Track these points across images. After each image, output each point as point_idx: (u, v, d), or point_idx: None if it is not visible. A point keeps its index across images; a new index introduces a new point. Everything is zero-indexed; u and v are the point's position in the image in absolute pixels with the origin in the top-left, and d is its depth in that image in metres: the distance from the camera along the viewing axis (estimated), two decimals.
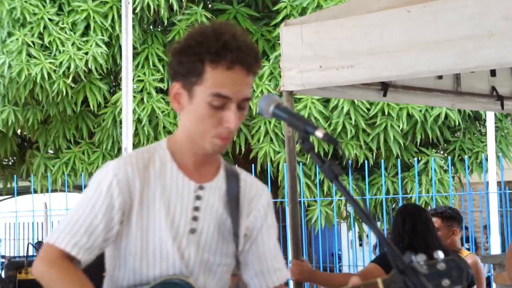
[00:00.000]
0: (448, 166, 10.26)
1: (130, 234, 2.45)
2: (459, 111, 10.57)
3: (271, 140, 10.87)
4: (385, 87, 5.35)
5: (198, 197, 2.51)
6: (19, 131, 12.26)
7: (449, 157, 10.43)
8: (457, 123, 10.76)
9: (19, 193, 11.56)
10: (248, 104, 2.47)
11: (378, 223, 12.88)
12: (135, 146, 9.60)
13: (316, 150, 2.44)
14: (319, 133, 2.34)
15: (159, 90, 10.99)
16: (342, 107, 10.61)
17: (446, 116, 10.67)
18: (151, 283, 2.43)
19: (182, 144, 2.51)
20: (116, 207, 2.41)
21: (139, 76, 10.95)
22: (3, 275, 4.29)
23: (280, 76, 10.52)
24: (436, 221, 5.58)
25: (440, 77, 5.54)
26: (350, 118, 10.63)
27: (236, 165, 9.82)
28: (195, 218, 2.50)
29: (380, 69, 4.62)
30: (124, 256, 2.47)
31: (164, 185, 2.47)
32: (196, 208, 2.50)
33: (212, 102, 2.40)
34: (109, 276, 2.51)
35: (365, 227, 12.13)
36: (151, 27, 11.78)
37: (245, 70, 2.43)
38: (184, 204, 2.49)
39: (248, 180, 2.64)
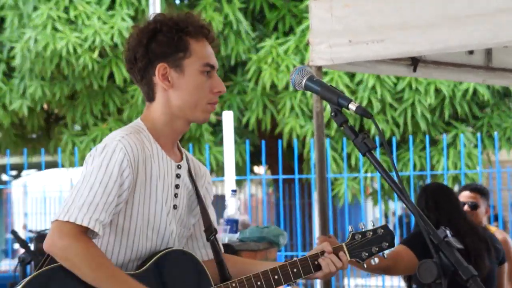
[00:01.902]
0: (477, 141, 10.18)
1: (130, 210, 2.55)
2: (488, 86, 10.47)
3: (297, 115, 10.83)
4: (415, 62, 5.32)
5: (178, 176, 2.68)
6: (46, 106, 12.27)
7: (478, 134, 10.32)
8: (485, 99, 10.65)
9: (41, 168, 11.62)
10: None
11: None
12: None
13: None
14: (353, 106, 2.36)
15: None
16: (368, 82, 10.54)
17: (475, 92, 10.57)
18: (157, 253, 2.57)
19: (163, 124, 2.65)
20: (125, 186, 2.51)
21: None
22: (32, 248, 4.34)
23: (306, 51, 10.57)
24: (475, 197, 5.53)
25: (471, 52, 5.48)
26: (376, 93, 10.56)
27: (263, 141, 9.84)
28: (176, 195, 2.66)
29: (410, 44, 4.58)
30: (121, 231, 2.55)
31: (157, 164, 2.60)
32: (177, 186, 2.67)
33: (205, 70, 2.64)
34: (105, 249, 2.57)
35: (390, 203, 12.08)
36: (178, 1, 11.75)
37: (211, 43, 2.72)
38: (169, 182, 2.63)
39: (194, 160, 2.82)
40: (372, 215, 13.05)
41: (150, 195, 2.58)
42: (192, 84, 2.63)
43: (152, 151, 2.60)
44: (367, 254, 2.71)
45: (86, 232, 2.46)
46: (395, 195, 10.29)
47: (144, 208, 2.56)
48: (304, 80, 2.47)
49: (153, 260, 2.54)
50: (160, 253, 2.56)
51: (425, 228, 2.19)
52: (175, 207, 2.65)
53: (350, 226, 2.70)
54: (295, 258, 2.71)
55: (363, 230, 2.73)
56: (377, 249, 2.72)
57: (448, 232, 2.22)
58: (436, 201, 4.74)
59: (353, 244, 2.70)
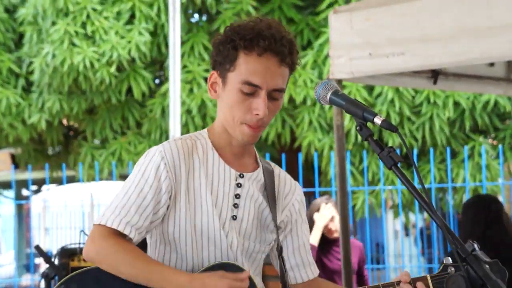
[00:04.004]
0: (498, 153, 10.13)
1: (178, 218, 2.51)
2: (509, 98, 10.41)
3: (315, 129, 10.83)
4: (435, 74, 5.32)
5: (238, 185, 2.58)
6: (64, 121, 12.35)
7: (499, 145, 10.27)
8: (507, 110, 10.59)
9: (61, 183, 11.68)
10: (282, 96, 2.52)
11: (425, 213, 12.78)
12: None
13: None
14: (378, 120, 2.35)
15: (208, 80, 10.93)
16: (387, 95, 10.53)
17: (496, 103, 10.52)
18: (206, 265, 2.50)
19: (220, 134, 2.59)
20: (163, 190, 2.47)
21: (186, 66, 10.96)
22: (56, 262, 4.34)
23: (324, 65, 10.57)
24: None
25: (491, 64, 5.47)
26: (394, 106, 10.54)
27: (283, 155, 9.83)
28: (235, 205, 2.56)
29: (431, 56, 4.57)
30: (174, 240, 2.52)
31: (207, 172, 2.54)
32: (237, 196, 2.57)
33: (242, 89, 2.48)
34: (160, 261, 2.55)
35: (411, 216, 12.03)
36: (196, 16, 11.79)
37: (277, 59, 2.49)
38: (226, 191, 2.55)
39: (281, 175, 2.72)
40: (393, 228, 13.01)
41: (196, 202, 2.51)
42: (229, 99, 2.53)
43: (206, 158, 2.54)
44: (446, 286, 2.41)
45: (119, 235, 2.44)
46: (416, 208, 10.30)
47: (191, 215, 2.51)
48: (329, 95, 2.45)
49: (202, 269, 2.49)
50: (211, 265, 2.49)
51: (453, 242, 2.17)
52: (234, 217, 2.55)
53: (446, 257, 2.45)
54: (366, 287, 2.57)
55: (460, 263, 2.42)
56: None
57: (475, 245, 2.19)
58: (486, 216, 4.75)
59: (442, 277, 2.42)
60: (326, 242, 6.21)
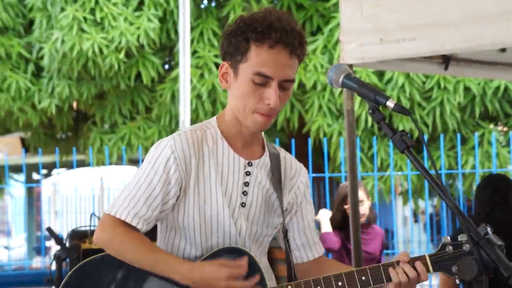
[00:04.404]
0: (508, 140, 10.11)
1: (188, 207, 2.57)
2: None
3: (324, 114, 10.84)
4: (446, 60, 5.30)
5: (247, 173, 2.65)
6: (74, 106, 12.41)
7: (510, 132, 10.24)
8: None
9: (71, 167, 11.74)
10: (292, 86, 2.59)
11: (435, 199, 12.80)
12: (194, 121, 9.63)
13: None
14: (391, 103, 2.35)
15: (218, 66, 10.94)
16: (397, 81, 10.51)
17: (506, 89, 10.50)
18: (214, 250, 2.57)
19: (230, 123, 2.65)
20: (172, 183, 2.54)
21: (196, 51, 10.98)
22: (67, 244, 4.38)
23: (334, 50, 10.56)
24: None
25: (503, 50, 5.44)
26: (405, 91, 10.52)
27: (293, 140, 9.85)
28: (244, 193, 2.64)
29: (442, 41, 4.56)
30: (184, 227, 2.59)
31: (217, 161, 2.61)
32: (246, 183, 2.64)
33: (254, 79, 2.53)
34: (169, 246, 2.63)
35: (420, 203, 12.04)
36: (205, 1, 11.78)
37: (288, 51, 2.54)
38: (235, 180, 2.62)
39: (287, 158, 2.77)
40: (402, 214, 13.03)
41: (206, 191, 2.58)
42: (240, 90, 2.57)
43: (216, 147, 2.61)
44: (458, 268, 2.44)
45: (127, 224, 2.54)
46: (426, 194, 10.31)
47: (201, 204, 2.57)
48: (341, 78, 2.46)
49: (206, 255, 2.56)
50: (216, 250, 2.56)
51: (466, 225, 2.18)
52: (243, 204, 2.63)
53: (445, 237, 2.47)
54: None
55: (460, 241, 2.46)
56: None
57: (488, 229, 2.19)
58: (502, 195, 4.71)
59: (441, 256, 2.46)
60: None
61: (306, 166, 10.94)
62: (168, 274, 2.50)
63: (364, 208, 6.04)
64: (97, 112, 11.87)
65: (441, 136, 9.99)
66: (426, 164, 10.19)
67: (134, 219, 2.52)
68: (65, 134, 13.26)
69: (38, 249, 16.46)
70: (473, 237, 2.19)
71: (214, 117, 2.69)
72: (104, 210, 2.59)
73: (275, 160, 2.72)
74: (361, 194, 6.00)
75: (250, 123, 2.58)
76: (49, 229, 4.41)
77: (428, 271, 2.47)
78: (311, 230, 2.80)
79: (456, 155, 10.57)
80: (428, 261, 2.47)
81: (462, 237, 2.41)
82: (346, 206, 6.02)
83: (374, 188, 10.33)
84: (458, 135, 9.96)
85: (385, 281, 2.49)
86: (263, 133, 2.74)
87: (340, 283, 2.49)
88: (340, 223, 6.15)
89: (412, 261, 2.48)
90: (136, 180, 2.56)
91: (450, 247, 2.43)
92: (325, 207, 10.52)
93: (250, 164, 2.65)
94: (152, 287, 2.55)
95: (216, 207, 2.58)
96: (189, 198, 2.57)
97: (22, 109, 11.79)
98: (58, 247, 4.42)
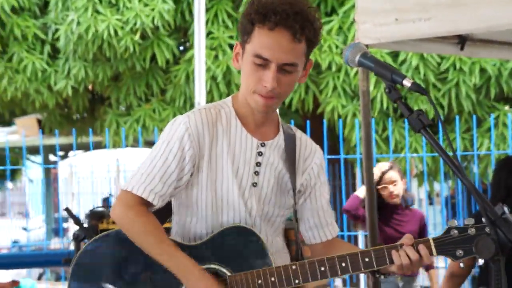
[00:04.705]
0: None
1: (201, 184, 2.64)
2: None
3: (339, 95, 10.83)
4: (462, 40, 5.27)
5: (260, 154, 2.69)
6: (90, 87, 12.46)
7: None
8: None
9: (88, 149, 11.81)
10: (296, 69, 2.60)
11: (450, 181, 12.78)
12: (208, 103, 9.64)
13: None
14: (407, 82, 2.35)
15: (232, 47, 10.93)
16: (411, 62, 10.49)
17: None
18: (222, 228, 2.63)
19: (243, 103, 2.69)
20: (187, 159, 2.60)
21: (211, 32, 10.99)
22: (85, 225, 4.43)
23: (349, 31, 10.51)
24: None
25: None
26: (419, 73, 10.49)
27: (308, 122, 9.85)
28: (256, 173, 2.68)
29: (458, 21, 4.55)
30: (195, 204, 2.65)
31: (230, 140, 2.65)
32: (258, 164, 2.68)
33: (254, 61, 2.57)
34: (181, 223, 2.70)
35: (435, 185, 12.02)
36: None
37: (289, 34, 2.56)
38: (247, 159, 2.67)
39: (303, 139, 2.81)
40: (417, 196, 13.02)
41: (218, 169, 2.64)
42: (244, 70, 2.65)
43: (229, 127, 2.65)
44: (463, 252, 2.45)
45: (143, 202, 2.60)
46: (441, 176, 10.30)
47: (213, 182, 2.63)
48: (357, 57, 2.46)
49: (214, 233, 2.61)
50: (224, 228, 2.61)
51: (482, 205, 2.17)
52: (254, 184, 2.66)
53: (451, 221, 2.46)
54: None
55: (466, 225, 2.46)
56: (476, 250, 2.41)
57: (505, 209, 2.18)
58: None
59: (445, 240, 2.47)
60: (386, 208, 6.12)
61: (321, 147, 10.98)
62: (164, 262, 2.57)
63: (398, 189, 6.05)
64: (113, 94, 11.92)
65: (457, 118, 9.96)
66: (442, 145, 10.15)
67: (150, 195, 2.58)
68: (81, 116, 13.32)
69: (56, 230, 16.62)
70: (489, 216, 2.18)
71: (230, 97, 2.74)
72: (121, 186, 2.66)
73: (290, 141, 2.74)
74: (395, 175, 6.05)
75: (253, 103, 2.62)
76: (67, 210, 4.47)
77: (431, 254, 2.48)
78: (324, 212, 2.82)
79: (471, 137, 10.54)
80: (432, 244, 2.47)
81: (469, 221, 2.41)
82: (379, 187, 6.02)
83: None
84: (474, 116, 9.92)
85: (388, 263, 2.51)
86: (278, 114, 2.76)
87: (343, 264, 2.50)
88: None
89: (415, 244, 2.49)
90: (152, 157, 2.62)
91: (455, 231, 2.43)
92: (340, 188, 10.55)
93: (263, 144, 2.68)
94: (157, 269, 2.61)
95: (227, 185, 2.63)
96: (202, 175, 2.62)
97: (38, 90, 11.84)
98: (76, 228, 4.48)
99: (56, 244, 15.27)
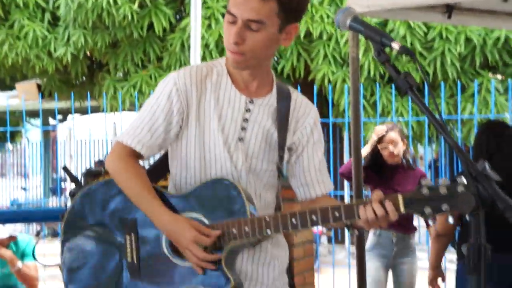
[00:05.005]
0: (507, 88, 10.35)
1: (189, 138, 2.70)
2: None
3: (329, 62, 11.13)
4: (449, 9, 5.23)
5: (247, 110, 2.72)
6: (89, 54, 12.70)
7: (508, 79, 10.49)
8: None
9: (86, 113, 12.05)
10: (261, 28, 2.64)
11: (434, 145, 13.12)
12: None
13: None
14: (396, 45, 2.40)
15: None
16: (398, 31, 10.76)
17: (506, 39, 10.73)
18: (206, 180, 2.72)
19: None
20: (174, 112, 2.67)
21: (206, 2, 11.24)
22: (82, 183, 4.56)
23: (340, 1, 10.72)
24: None
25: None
26: (406, 41, 10.77)
27: (298, 87, 10.17)
28: (243, 129, 2.71)
29: None
30: (185, 158, 2.72)
31: (219, 96, 2.71)
32: (245, 120, 2.71)
33: (227, 18, 2.67)
34: (173, 177, 2.80)
35: (420, 149, 12.34)
36: None
37: None
38: (234, 115, 2.71)
39: (298, 100, 2.82)
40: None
41: (205, 123, 2.69)
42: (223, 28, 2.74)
43: (219, 84, 2.74)
44: (431, 210, 2.39)
45: (132, 152, 2.69)
46: (426, 140, 10.61)
47: (200, 136, 2.69)
48: (348, 21, 2.50)
49: (198, 185, 2.67)
50: (207, 180, 2.66)
51: (465, 161, 2.21)
52: (241, 139, 2.70)
53: (423, 180, 2.43)
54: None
55: (438, 185, 2.39)
56: (448, 207, 2.37)
57: (486, 165, 2.20)
58: (497, 142, 4.66)
59: (415, 197, 2.41)
60: (387, 168, 6.11)
61: None
62: (149, 215, 2.64)
63: (398, 149, 6.03)
64: (111, 60, 12.18)
65: (442, 83, 10.27)
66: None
67: (137, 145, 2.66)
68: (80, 81, 13.53)
69: (54, 190, 16.85)
70: (471, 172, 2.20)
71: (224, 57, 2.82)
72: (116, 138, 2.79)
73: (284, 100, 2.78)
74: (395, 136, 6.04)
75: (229, 60, 2.72)
76: (65, 168, 4.54)
77: (398, 210, 2.44)
78: (316, 170, 2.82)
79: (455, 102, 10.85)
80: (400, 201, 2.44)
81: (443, 181, 2.38)
82: (379, 147, 6.05)
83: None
84: (458, 82, 10.21)
85: (356, 218, 2.50)
86: (273, 73, 2.83)
87: (314, 217, 2.52)
88: (373, 162, 6.13)
89: (383, 200, 2.46)
90: (142, 111, 2.71)
91: (426, 189, 2.39)
92: (328, 152, 10.87)
93: (251, 101, 2.73)
94: (141, 218, 2.68)
95: (214, 140, 2.68)
96: (191, 129, 2.69)
97: (39, 56, 12.09)
98: (73, 186, 4.64)
99: (54, 202, 15.46)
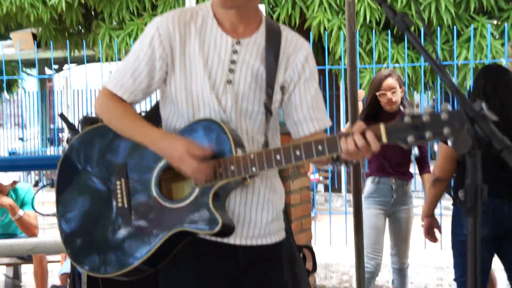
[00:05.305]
0: (503, 32, 10.37)
1: (176, 82, 2.68)
2: None
3: (325, 9, 11.12)
4: None
5: (234, 51, 2.69)
6: (83, 2, 12.64)
7: (505, 24, 10.50)
8: None
9: (82, 62, 12.07)
10: None
11: (429, 92, 13.18)
12: None
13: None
14: None
15: None
16: None
17: None
18: (191, 123, 2.71)
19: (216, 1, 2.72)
20: (157, 57, 2.65)
21: None
22: (80, 130, 4.58)
23: None
24: None
25: None
26: None
27: None
28: (231, 70, 2.68)
29: None
30: (175, 102, 2.70)
31: (204, 39, 2.68)
32: (233, 61, 2.68)
33: None
34: (165, 120, 2.80)
35: (416, 96, 12.39)
36: None
37: None
38: (221, 57, 2.68)
39: (289, 37, 2.77)
40: None
41: (192, 67, 2.67)
42: None
43: (204, 27, 2.70)
44: (414, 138, 2.33)
45: (117, 97, 2.69)
46: (422, 86, 10.68)
47: (187, 81, 2.67)
48: None
49: (186, 126, 2.66)
50: (194, 121, 2.64)
51: (461, 101, 2.19)
52: (229, 82, 2.67)
53: (408, 109, 2.39)
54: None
55: (419, 113, 2.34)
56: (431, 134, 2.31)
57: (483, 105, 2.19)
58: (494, 85, 4.65)
59: (398, 126, 2.35)
60: (385, 115, 6.02)
61: None
62: (141, 139, 2.63)
63: (396, 96, 6.00)
64: (105, 8, 12.13)
65: (438, 28, 10.27)
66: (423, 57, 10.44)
67: (120, 90, 2.67)
68: (75, 30, 13.49)
69: (51, 140, 16.93)
70: (468, 112, 2.18)
71: (211, 0, 2.76)
72: (103, 84, 2.78)
73: (274, 38, 2.74)
74: (394, 82, 5.99)
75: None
76: (61, 115, 4.53)
77: (379, 140, 2.40)
78: (309, 107, 2.78)
79: (450, 48, 10.89)
80: (383, 130, 2.38)
81: (426, 109, 2.32)
82: (377, 93, 6.01)
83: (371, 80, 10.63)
84: (454, 27, 10.23)
85: (339, 150, 2.45)
86: (264, 12, 2.80)
87: (298, 152, 2.48)
88: (370, 110, 6.10)
89: (365, 131, 2.42)
90: (127, 58, 2.71)
91: (409, 118, 2.33)
92: (325, 99, 10.94)
93: (238, 42, 2.70)
94: (135, 152, 2.70)
95: (201, 84, 2.65)
96: (177, 74, 2.67)
97: (33, 4, 12.04)
98: (71, 133, 4.65)
99: (51, 153, 15.54)
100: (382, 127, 2.39)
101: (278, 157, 2.51)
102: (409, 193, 6.15)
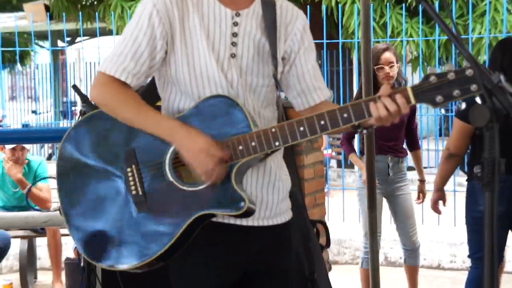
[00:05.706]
0: None
1: (177, 61, 2.57)
2: None
3: None
4: None
5: (235, 24, 2.61)
6: None
7: None
8: None
9: (94, 35, 12.06)
10: None
11: (443, 67, 13.10)
12: None
13: None
14: None
15: None
16: None
17: None
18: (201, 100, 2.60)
19: None
20: (157, 37, 2.53)
21: None
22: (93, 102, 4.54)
23: None
24: None
25: None
26: None
27: (308, 7, 10.11)
28: (234, 44, 2.60)
29: None
30: (177, 81, 2.59)
31: (203, 14, 2.58)
32: (234, 34, 2.60)
33: None
34: (166, 101, 2.69)
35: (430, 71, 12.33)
36: None
37: None
38: (222, 31, 2.59)
39: (283, 6, 2.71)
40: (411, 81, 13.32)
41: (193, 44, 2.57)
42: None
43: (201, 1, 2.61)
44: (442, 98, 2.29)
45: (117, 81, 2.54)
46: (436, 61, 10.62)
47: (189, 58, 2.56)
48: None
49: (195, 104, 2.54)
50: (204, 98, 2.53)
51: (479, 74, 2.15)
52: (233, 55, 2.60)
53: (429, 68, 2.34)
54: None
55: (443, 71, 2.29)
56: (459, 92, 2.27)
57: (502, 77, 2.15)
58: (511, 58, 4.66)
59: (424, 87, 2.31)
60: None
61: (320, 34, 11.20)
62: (155, 129, 2.50)
63: (394, 70, 5.96)
64: None
65: (453, 2, 10.19)
66: (438, 31, 10.44)
67: (122, 74, 2.53)
68: (88, 1, 13.47)
69: (64, 113, 16.98)
70: (485, 84, 2.13)
71: None
72: (97, 69, 2.61)
73: (269, 8, 2.67)
74: (391, 56, 5.95)
75: None
76: (74, 87, 4.48)
77: (409, 102, 2.36)
78: (311, 77, 2.73)
79: (465, 22, 10.82)
80: (410, 92, 2.34)
81: (449, 67, 2.37)
82: (375, 67, 5.91)
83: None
84: (469, 1, 10.15)
85: (366, 116, 2.40)
86: None
87: (322, 122, 2.40)
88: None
89: (393, 94, 2.38)
90: (124, 37, 2.55)
91: (434, 77, 2.30)
92: (338, 73, 10.92)
93: (237, 14, 2.62)
94: (141, 141, 2.57)
95: (204, 60, 2.56)
96: (178, 52, 2.57)
97: None
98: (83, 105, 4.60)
99: (64, 125, 15.60)
100: (409, 89, 2.35)
101: (301, 128, 2.42)
102: (404, 170, 6.12)
